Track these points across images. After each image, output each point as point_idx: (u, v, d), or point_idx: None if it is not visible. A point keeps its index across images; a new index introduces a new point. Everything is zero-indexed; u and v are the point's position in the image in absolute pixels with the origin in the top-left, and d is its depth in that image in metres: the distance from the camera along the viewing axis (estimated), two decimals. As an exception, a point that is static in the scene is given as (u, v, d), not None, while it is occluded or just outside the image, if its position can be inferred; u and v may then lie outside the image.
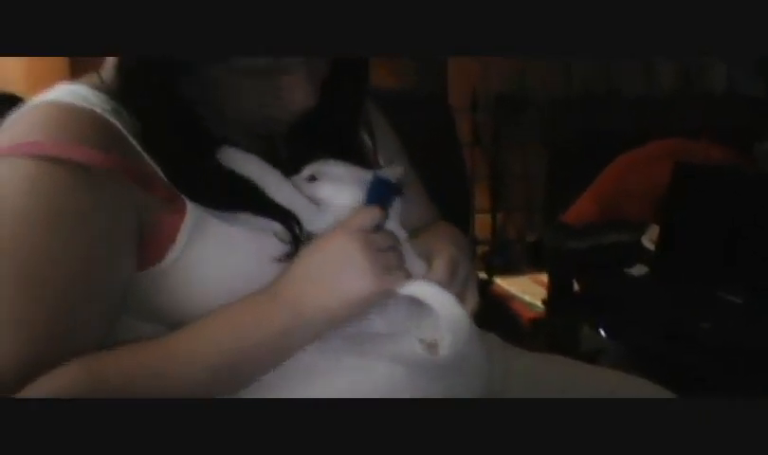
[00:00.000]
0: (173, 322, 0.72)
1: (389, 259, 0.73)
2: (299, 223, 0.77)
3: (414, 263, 0.78)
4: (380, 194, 0.79)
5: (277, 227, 0.76)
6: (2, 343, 0.66)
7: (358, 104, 0.89)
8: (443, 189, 1.07)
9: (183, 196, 0.72)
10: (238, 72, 0.73)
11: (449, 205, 1.06)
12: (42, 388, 0.65)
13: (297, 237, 0.76)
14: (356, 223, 0.74)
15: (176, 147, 0.74)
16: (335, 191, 0.79)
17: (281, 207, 0.77)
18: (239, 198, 0.76)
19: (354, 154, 0.88)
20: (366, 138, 0.93)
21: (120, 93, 0.74)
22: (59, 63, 1.73)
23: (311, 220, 0.78)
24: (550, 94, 2.34)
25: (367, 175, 0.80)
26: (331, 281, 0.72)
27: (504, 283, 1.72)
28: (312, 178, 0.79)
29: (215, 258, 0.72)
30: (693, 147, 2.06)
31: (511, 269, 2.23)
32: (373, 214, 0.75)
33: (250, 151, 0.79)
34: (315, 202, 0.79)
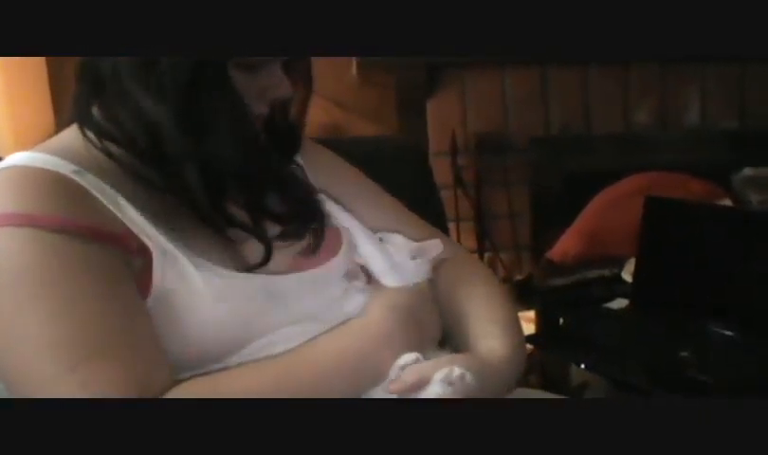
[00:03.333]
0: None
1: None
2: (268, 250, 0.81)
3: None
4: None
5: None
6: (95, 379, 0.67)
7: (293, 140, 0.94)
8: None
9: (148, 246, 0.74)
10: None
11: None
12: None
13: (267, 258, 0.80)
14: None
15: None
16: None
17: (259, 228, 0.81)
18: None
19: (291, 191, 0.90)
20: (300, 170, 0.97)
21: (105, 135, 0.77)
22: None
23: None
24: (530, 134, 2.38)
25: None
26: None
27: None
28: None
29: (182, 297, 0.74)
30: (670, 180, 2.10)
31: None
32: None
33: None
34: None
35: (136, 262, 0.74)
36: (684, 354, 1.32)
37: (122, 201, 0.76)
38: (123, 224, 0.74)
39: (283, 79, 0.83)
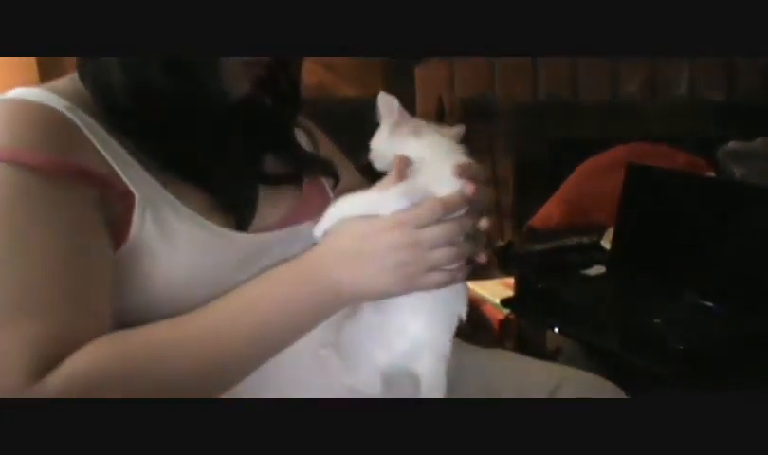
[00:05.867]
0: (132, 308, 0.74)
1: (433, 259, 0.75)
2: (251, 211, 0.81)
3: None
4: None
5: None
6: (15, 338, 0.66)
7: (294, 99, 0.93)
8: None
9: (132, 190, 0.74)
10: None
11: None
12: (64, 372, 0.66)
13: (243, 225, 0.80)
14: (412, 218, 0.75)
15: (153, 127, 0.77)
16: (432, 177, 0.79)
17: (240, 191, 0.81)
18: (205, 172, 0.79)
19: (290, 151, 0.92)
20: (306, 142, 0.98)
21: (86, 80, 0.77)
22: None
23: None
24: (516, 101, 2.37)
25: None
26: (365, 269, 0.75)
27: (476, 287, 1.76)
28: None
29: (159, 249, 0.74)
30: (656, 151, 2.10)
31: (482, 274, 2.25)
32: (434, 211, 0.75)
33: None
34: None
35: (116, 206, 0.73)
36: (657, 320, 1.34)
37: (114, 143, 0.75)
38: (110, 165, 0.74)
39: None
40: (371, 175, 0.89)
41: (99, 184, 0.73)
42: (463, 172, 0.78)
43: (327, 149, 1.03)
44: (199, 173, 0.79)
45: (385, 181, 0.80)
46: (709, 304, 1.38)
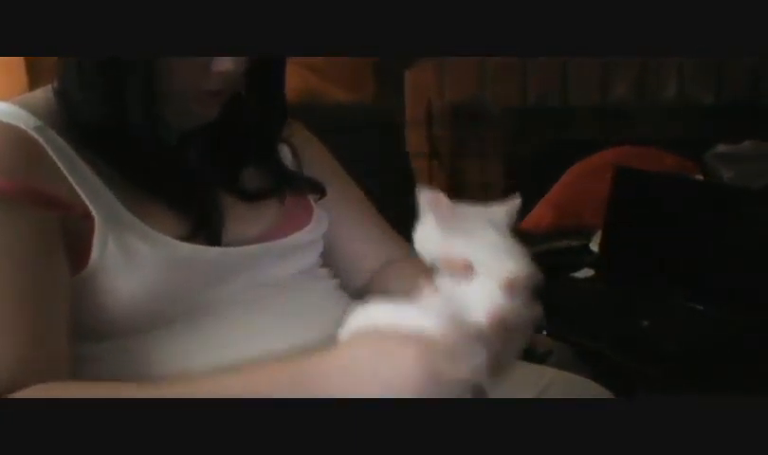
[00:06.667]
0: (96, 323, 0.74)
1: (452, 372, 0.64)
2: (217, 226, 0.80)
3: None
4: None
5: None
6: None
7: (278, 108, 0.91)
8: (392, 202, 1.09)
9: (91, 210, 0.73)
10: None
11: (399, 216, 1.09)
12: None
13: (214, 240, 0.79)
14: (436, 346, 0.64)
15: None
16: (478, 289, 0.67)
17: (203, 205, 0.80)
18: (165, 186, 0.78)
19: (271, 166, 0.91)
20: (288, 155, 0.96)
21: (63, 96, 0.76)
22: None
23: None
24: (506, 105, 2.37)
25: None
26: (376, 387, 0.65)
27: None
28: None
29: (121, 269, 0.73)
30: (644, 154, 2.11)
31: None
32: (463, 337, 0.65)
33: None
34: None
35: (79, 227, 0.73)
36: (645, 323, 1.34)
37: (80, 162, 0.75)
38: (72, 187, 0.73)
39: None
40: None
41: (60, 208, 0.72)
42: (512, 289, 0.68)
43: (323, 159, 1.02)
44: (162, 190, 0.79)
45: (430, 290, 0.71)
46: (697, 306, 1.39)
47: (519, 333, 0.69)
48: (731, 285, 1.39)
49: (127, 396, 0.67)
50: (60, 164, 0.73)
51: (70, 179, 0.73)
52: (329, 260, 0.96)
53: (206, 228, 0.80)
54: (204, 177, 0.84)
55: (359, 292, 0.96)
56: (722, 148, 2.14)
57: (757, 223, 1.41)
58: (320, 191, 0.95)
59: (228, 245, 0.81)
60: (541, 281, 0.70)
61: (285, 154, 0.96)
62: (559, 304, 1.45)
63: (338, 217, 0.97)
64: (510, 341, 0.68)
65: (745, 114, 2.35)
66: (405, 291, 0.71)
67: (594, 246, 1.69)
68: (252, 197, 0.88)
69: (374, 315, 0.71)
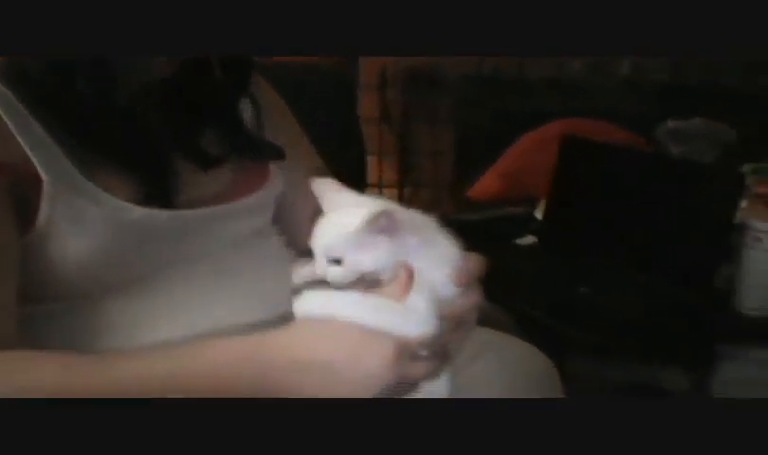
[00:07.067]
0: (42, 287, 0.73)
1: (412, 370, 0.68)
2: (171, 189, 0.78)
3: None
4: None
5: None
6: None
7: (240, 70, 0.90)
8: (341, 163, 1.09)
9: (41, 172, 0.71)
10: None
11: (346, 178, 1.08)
12: None
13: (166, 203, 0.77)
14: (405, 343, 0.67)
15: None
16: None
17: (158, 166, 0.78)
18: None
19: (231, 129, 0.89)
20: (249, 112, 0.93)
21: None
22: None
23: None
24: (461, 72, 2.35)
25: None
26: (334, 379, 0.67)
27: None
28: None
29: (70, 232, 0.72)
30: (595, 127, 2.11)
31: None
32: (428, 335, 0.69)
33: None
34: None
35: (27, 189, 0.71)
36: (583, 289, 1.34)
37: (33, 122, 0.72)
38: (22, 149, 0.71)
39: None
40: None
41: (9, 173, 0.70)
42: (462, 281, 0.74)
43: (284, 121, 1.01)
44: (114, 152, 0.77)
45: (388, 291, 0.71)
46: (637, 275, 1.39)
47: (468, 323, 0.75)
48: (671, 256, 1.40)
49: (81, 368, 0.67)
50: (11, 125, 0.71)
51: (20, 140, 0.71)
52: (279, 220, 0.95)
53: (159, 191, 0.78)
54: (159, 139, 0.82)
55: (306, 252, 0.95)
56: (672, 124, 2.14)
57: (700, 196, 1.41)
58: (279, 156, 0.93)
59: (182, 207, 0.80)
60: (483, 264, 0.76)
61: (247, 110, 0.93)
62: (499, 270, 1.44)
63: (294, 182, 0.94)
64: (459, 333, 0.73)
65: (698, 92, 2.37)
66: None
67: (539, 215, 1.68)
68: (209, 164, 0.85)
69: (335, 304, 0.70)
